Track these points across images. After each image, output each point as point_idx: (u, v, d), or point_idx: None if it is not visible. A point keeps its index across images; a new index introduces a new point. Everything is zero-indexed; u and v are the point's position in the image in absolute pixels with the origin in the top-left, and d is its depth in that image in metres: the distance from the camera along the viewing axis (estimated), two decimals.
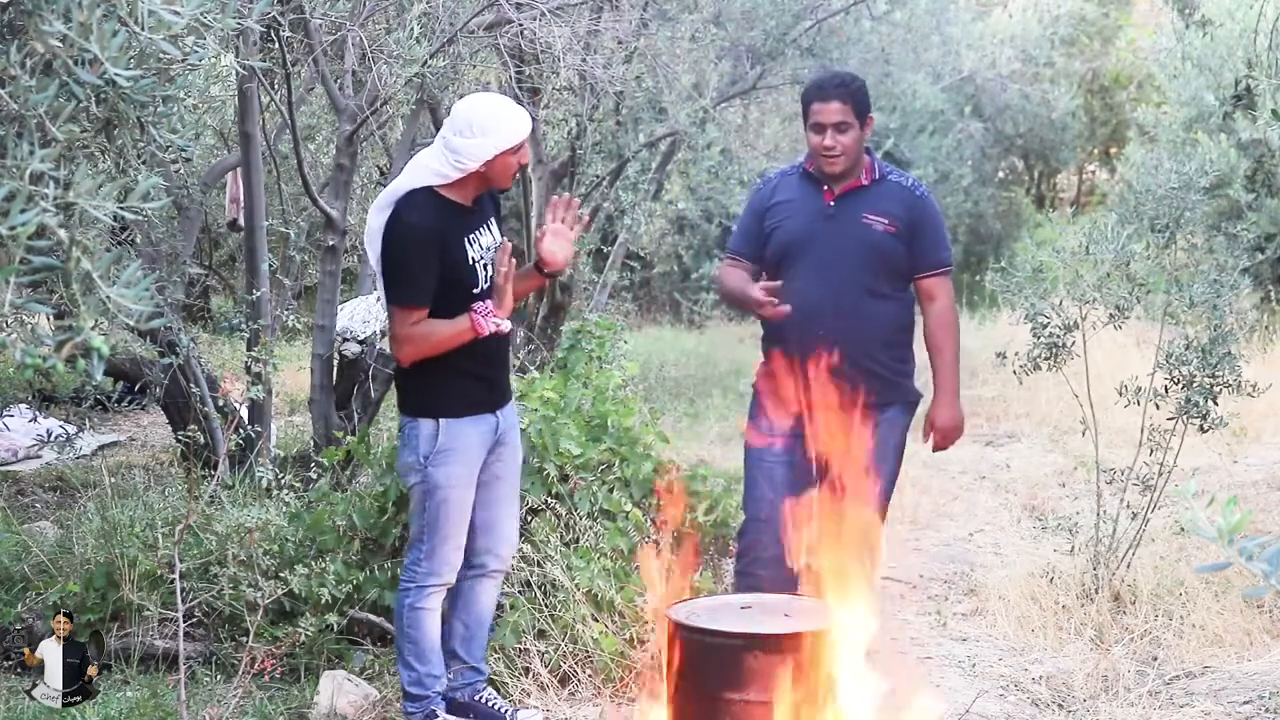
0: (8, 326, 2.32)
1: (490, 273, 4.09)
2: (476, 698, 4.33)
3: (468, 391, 4.09)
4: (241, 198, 6.90)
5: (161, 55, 2.51)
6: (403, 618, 4.18)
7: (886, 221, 4.40)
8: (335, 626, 4.64)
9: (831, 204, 4.43)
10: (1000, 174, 20.41)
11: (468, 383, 4.08)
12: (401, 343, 4.03)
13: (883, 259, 4.40)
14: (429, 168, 4.03)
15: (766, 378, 4.54)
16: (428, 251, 3.98)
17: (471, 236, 4.09)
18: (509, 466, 4.26)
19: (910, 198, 4.45)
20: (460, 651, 4.31)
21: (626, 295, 11.44)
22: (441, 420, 4.07)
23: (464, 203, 4.08)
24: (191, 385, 6.36)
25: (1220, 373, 5.22)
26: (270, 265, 6.56)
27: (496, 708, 4.31)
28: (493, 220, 4.21)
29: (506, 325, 4.03)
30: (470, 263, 4.06)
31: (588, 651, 4.59)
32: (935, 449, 4.57)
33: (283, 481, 5.21)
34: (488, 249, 4.12)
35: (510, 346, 4.29)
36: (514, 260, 4.10)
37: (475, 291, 4.06)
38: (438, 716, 4.19)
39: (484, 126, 3.96)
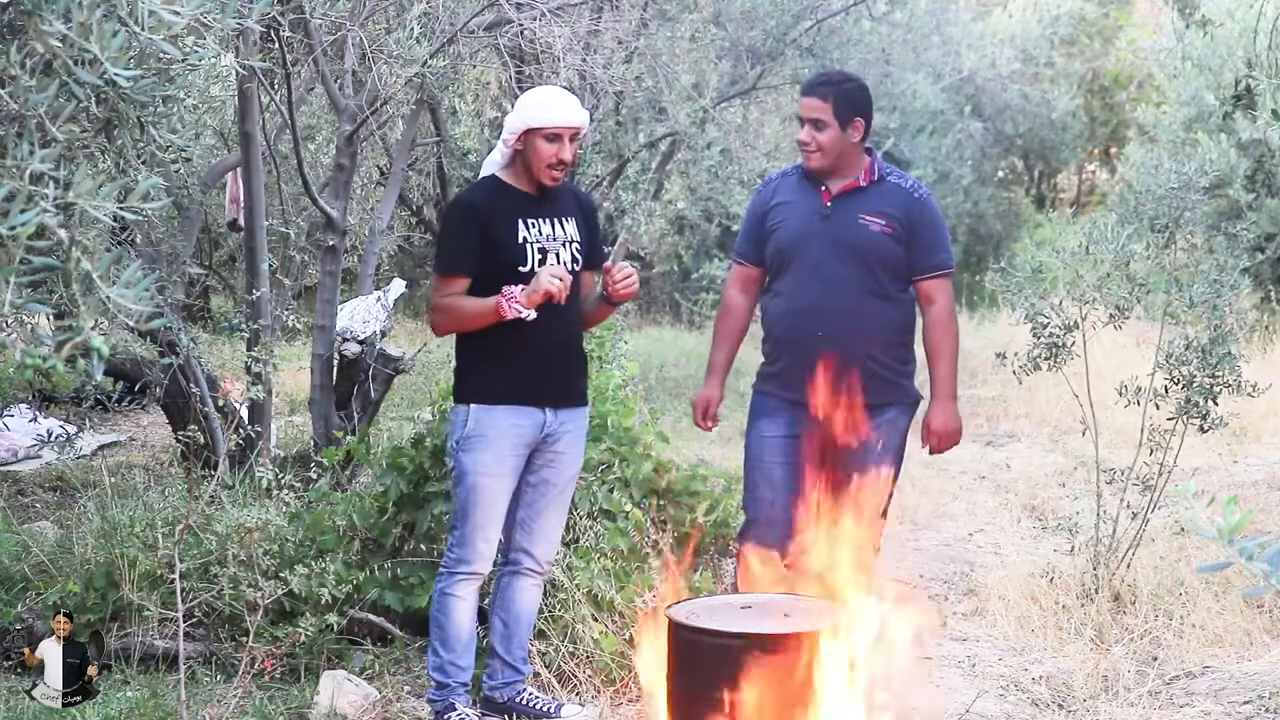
0: (8, 326, 2.32)
1: (545, 259, 4.13)
2: (517, 698, 4.33)
3: (504, 381, 4.10)
4: (241, 198, 6.90)
5: (161, 55, 2.51)
6: (434, 602, 4.23)
7: (883, 222, 4.39)
8: (335, 626, 4.64)
9: (829, 204, 4.43)
10: (1000, 174, 20.43)
11: (504, 372, 4.09)
12: (434, 310, 4.19)
13: (880, 260, 4.39)
14: (492, 157, 4.22)
15: (768, 378, 4.55)
16: (467, 225, 4.12)
17: (530, 221, 4.14)
18: (560, 472, 4.24)
19: (909, 199, 4.44)
20: (499, 649, 4.33)
21: None
22: (473, 406, 4.13)
23: (525, 190, 4.16)
24: (191, 385, 6.36)
25: (1220, 373, 5.22)
26: (270, 265, 6.56)
27: (538, 705, 4.32)
28: (572, 219, 4.22)
29: (529, 315, 4.01)
30: (520, 242, 4.11)
31: (588, 652, 4.58)
32: (933, 452, 4.56)
33: (283, 481, 5.20)
34: (548, 237, 4.15)
35: (574, 349, 4.26)
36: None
37: (522, 270, 4.09)
38: (457, 709, 4.19)
39: (525, 102, 4.12)
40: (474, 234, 4.10)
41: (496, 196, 4.15)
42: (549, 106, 4.07)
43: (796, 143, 4.44)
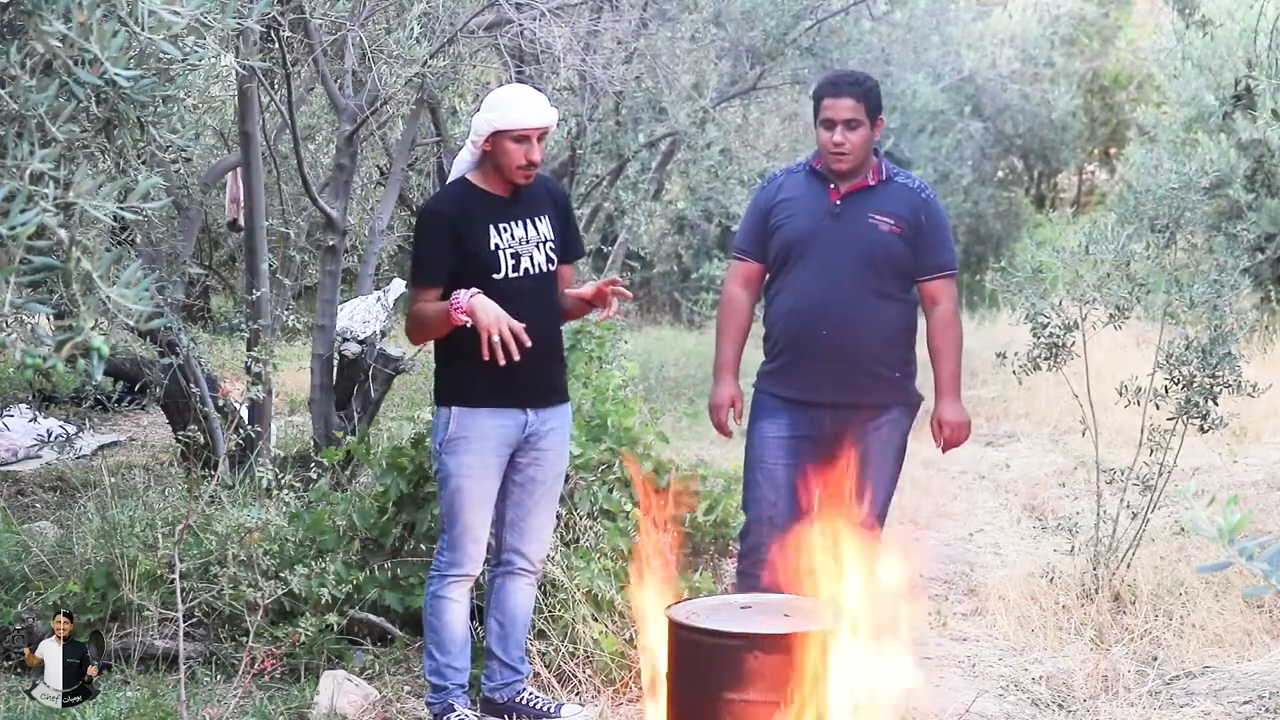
0: (8, 326, 2.32)
1: (518, 263, 4.12)
2: (516, 698, 4.33)
3: (484, 382, 4.08)
4: (241, 198, 6.90)
5: (161, 55, 2.51)
6: (427, 606, 4.23)
7: (892, 222, 4.39)
8: (335, 626, 4.64)
9: (837, 203, 4.42)
10: (1000, 174, 20.42)
11: (485, 374, 4.05)
12: (407, 320, 4.20)
13: (887, 259, 4.39)
14: (462, 158, 4.17)
15: (768, 377, 4.54)
16: (439, 235, 4.09)
17: (502, 225, 4.12)
18: (546, 470, 4.24)
19: (916, 199, 4.44)
20: (496, 650, 4.32)
21: None
22: (455, 409, 4.12)
23: (497, 192, 4.14)
24: (191, 385, 6.36)
25: (1220, 373, 5.22)
26: (270, 265, 6.56)
27: (538, 705, 4.32)
28: (545, 217, 4.20)
29: (469, 322, 3.97)
30: (491, 249, 4.09)
31: (588, 651, 4.59)
32: (947, 447, 4.53)
33: (283, 481, 5.20)
34: (521, 240, 4.14)
35: (551, 348, 4.24)
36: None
37: (495, 278, 4.07)
38: (455, 710, 4.19)
39: (491, 104, 4.08)
40: (445, 244, 4.07)
41: (466, 202, 4.12)
42: (515, 108, 4.04)
43: (825, 145, 4.38)
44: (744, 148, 10.37)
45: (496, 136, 4.04)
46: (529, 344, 3.98)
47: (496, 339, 3.93)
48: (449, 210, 4.11)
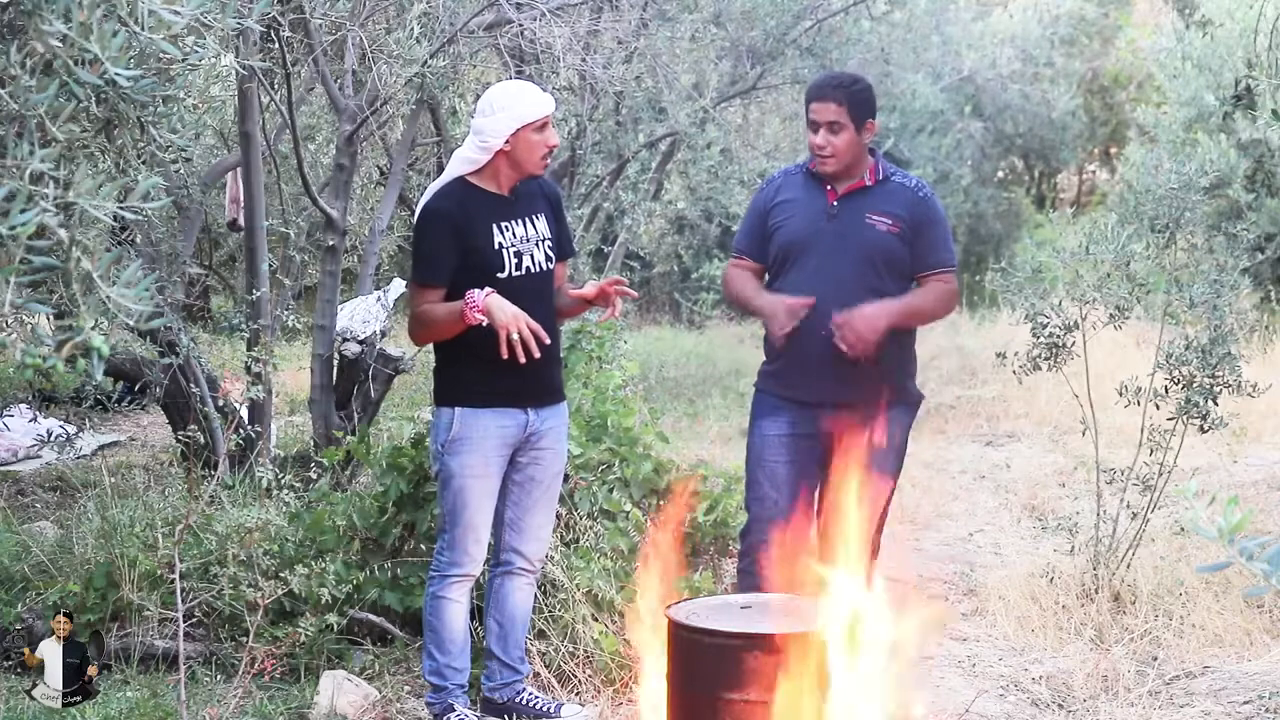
0: (8, 326, 2.32)
1: (520, 262, 4.12)
2: (516, 698, 4.33)
3: (487, 383, 4.09)
4: (241, 198, 6.90)
5: (161, 55, 2.51)
6: (426, 606, 4.24)
7: (890, 222, 4.39)
8: (335, 626, 4.64)
9: (835, 204, 4.42)
10: (1000, 174, 20.41)
11: (487, 375, 4.06)
12: (411, 320, 4.18)
13: (885, 259, 4.39)
14: (461, 157, 4.17)
15: (769, 377, 4.54)
16: (441, 234, 4.09)
17: (504, 224, 4.13)
18: (546, 470, 4.24)
19: (913, 198, 4.44)
20: (496, 650, 4.32)
21: None
22: (457, 409, 4.12)
23: (497, 190, 4.14)
24: (191, 385, 6.36)
25: (1220, 373, 5.22)
26: (270, 265, 6.56)
27: (538, 705, 4.32)
28: (543, 216, 4.22)
29: (487, 321, 3.98)
30: (495, 248, 4.10)
31: (588, 651, 4.59)
32: (843, 336, 4.21)
33: (283, 481, 5.20)
34: (523, 239, 4.15)
35: (552, 347, 4.21)
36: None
37: (500, 276, 4.08)
38: (455, 710, 4.19)
39: (503, 103, 4.08)
40: (449, 243, 4.07)
41: (469, 201, 4.12)
42: (527, 100, 4.08)
43: (811, 147, 4.39)
44: (744, 148, 10.36)
45: (519, 133, 4.05)
46: (548, 341, 3.99)
47: (516, 337, 3.94)
48: (451, 209, 4.11)
